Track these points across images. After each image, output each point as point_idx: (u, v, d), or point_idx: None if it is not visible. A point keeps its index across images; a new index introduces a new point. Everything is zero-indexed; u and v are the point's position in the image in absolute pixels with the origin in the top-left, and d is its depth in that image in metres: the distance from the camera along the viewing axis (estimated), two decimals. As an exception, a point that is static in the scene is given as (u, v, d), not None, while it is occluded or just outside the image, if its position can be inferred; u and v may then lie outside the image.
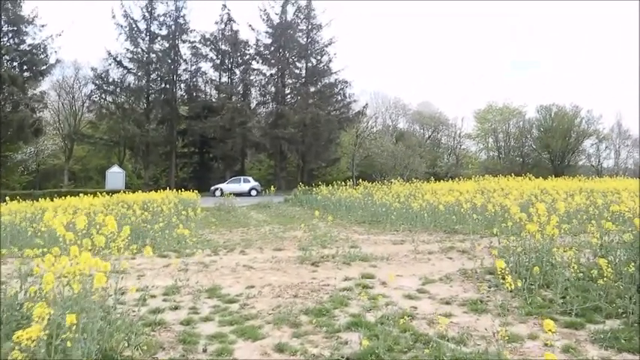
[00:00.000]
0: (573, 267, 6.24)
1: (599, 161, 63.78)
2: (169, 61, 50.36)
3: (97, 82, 48.99)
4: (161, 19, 50.17)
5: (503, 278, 4.40)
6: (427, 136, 66.47)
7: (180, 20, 50.60)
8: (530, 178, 31.44)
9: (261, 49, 53.16)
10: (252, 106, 54.08)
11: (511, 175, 33.79)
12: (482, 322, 5.76)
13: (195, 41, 51.74)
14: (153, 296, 7.07)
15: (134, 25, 49.47)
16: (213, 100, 52.41)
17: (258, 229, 16.10)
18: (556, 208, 9.11)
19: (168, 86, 50.84)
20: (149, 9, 49.90)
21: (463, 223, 14.63)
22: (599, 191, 23.42)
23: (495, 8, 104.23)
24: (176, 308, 6.51)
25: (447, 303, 6.61)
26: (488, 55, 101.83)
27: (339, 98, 54.20)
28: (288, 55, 52.88)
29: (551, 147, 60.86)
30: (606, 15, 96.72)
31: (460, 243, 12.13)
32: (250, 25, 53.15)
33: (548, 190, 21.67)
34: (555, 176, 39.59)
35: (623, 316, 5.77)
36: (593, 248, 8.48)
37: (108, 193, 27.19)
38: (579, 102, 74.24)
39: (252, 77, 53.66)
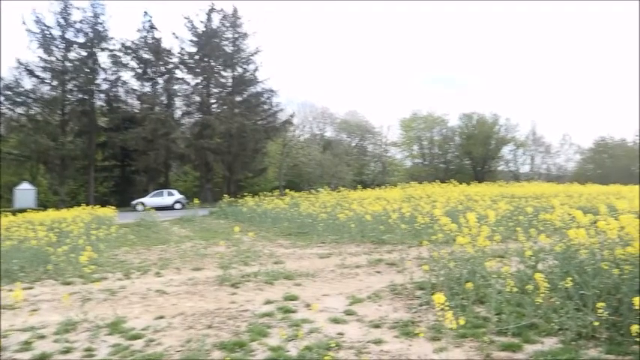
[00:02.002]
0: (508, 282, 5.85)
1: (516, 166, 66.26)
2: (87, 70, 47.59)
3: (5, 92, 45.66)
4: (77, 25, 47.32)
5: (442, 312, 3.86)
6: (354, 144, 66.82)
7: (99, 27, 48.05)
8: (454, 185, 31.95)
9: (186, 57, 51.42)
10: (177, 116, 52.22)
11: (436, 182, 34.29)
12: (415, 348, 5.25)
13: (115, 49, 49.17)
14: (42, 337, 6.09)
15: (47, 32, 46.51)
16: (135, 110, 50.02)
17: (179, 246, 15.11)
18: (485, 216, 8.87)
19: (86, 97, 48.03)
20: (64, 15, 47.09)
21: (391, 232, 14.32)
22: (521, 196, 24.03)
23: (420, 22, 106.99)
24: (67, 351, 5.56)
25: (377, 326, 6.07)
26: (412, 66, 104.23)
27: (266, 107, 53.42)
28: (213, 63, 51.49)
29: (472, 153, 62.70)
30: (519, 33, 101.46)
31: (388, 255, 11.74)
32: (174, 33, 51.42)
33: (473, 197, 21.94)
34: (477, 181, 40.61)
35: (560, 332, 5.45)
36: (524, 258, 8.26)
37: (15, 212, 25.08)
38: (498, 111, 76.70)
39: (176, 87, 51.78)
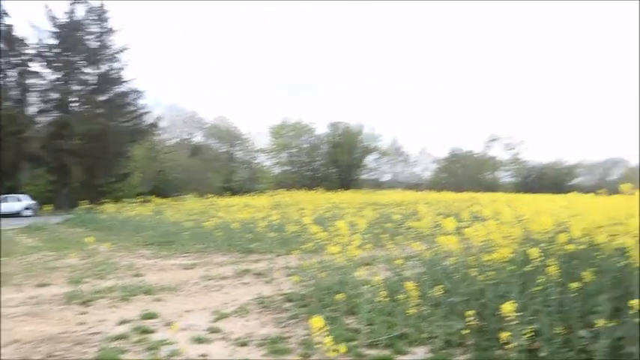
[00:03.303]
0: (380, 293, 5.73)
1: (379, 175, 69.16)
2: None
3: None
4: None
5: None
6: (223, 150, 65.70)
7: None
8: (321, 192, 32.49)
9: (44, 50, 46.95)
10: (30, 113, 47.58)
11: (303, 189, 34.68)
12: (284, 367, 4.93)
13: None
14: None
15: None
16: (-21, 104, 44.93)
17: (24, 259, 13.49)
18: (354, 223, 8.85)
19: None
20: None
21: (259, 241, 13.99)
22: (384, 204, 24.94)
23: (287, 30, 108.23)
24: None
25: (244, 344, 5.64)
26: (280, 73, 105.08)
27: (132, 109, 50.32)
28: (75, 58, 47.53)
29: (339, 162, 64.40)
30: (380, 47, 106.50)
31: (256, 264, 11.35)
32: (31, 22, 46.78)
33: (339, 204, 22.35)
34: (343, 189, 41.73)
35: (429, 341, 5.43)
36: (392, 266, 8.31)
37: None
38: (363, 121, 79.62)
39: (30, 81, 47.19)
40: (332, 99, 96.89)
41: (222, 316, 6.86)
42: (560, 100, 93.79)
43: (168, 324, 6.42)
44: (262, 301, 7.60)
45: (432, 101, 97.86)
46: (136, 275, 10.05)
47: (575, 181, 59.90)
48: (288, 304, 7.37)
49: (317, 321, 3.03)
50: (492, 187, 51.49)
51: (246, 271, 10.40)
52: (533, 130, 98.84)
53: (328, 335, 3.09)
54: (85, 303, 7.78)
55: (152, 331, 6.13)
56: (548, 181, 55.85)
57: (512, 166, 64.83)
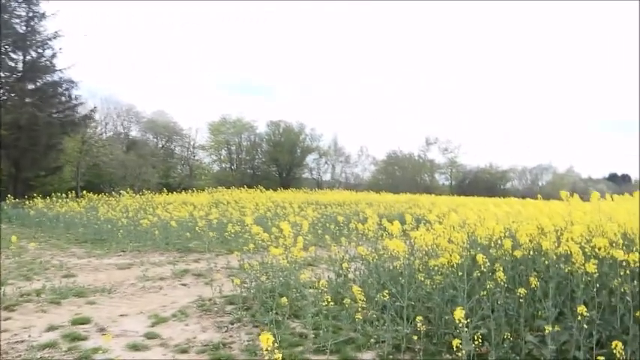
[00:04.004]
0: (325, 297, 5.61)
1: (319, 174, 69.35)
2: None
3: None
4: None
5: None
6: (161, 145, 64.11)
7: None
8: (261, 190, 32.26)
9: (-38, 31, 44.27)
10: (-53, 101, 44.66)
11: (243, 187, 34.32)
12: (227, 375, 4.73)
13: None
14: None
15: None
16: None
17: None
18: (296, 223, 8.72)
19: None
20: None
21: (198, 239, 13.64)
22: (325, 203, 24.98)
23: (228, 25, 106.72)
24: None
25: (184, 351, 5.38)
26: (220, 69, 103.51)
27: (64, 99, 48.09)
28: (0, 43, 45.05)
29: (279, 160, 64.23)
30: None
31: (196, 264, 11.07)
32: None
33: (280, 203, 22.18)
34: (283, 188, 41.67)
35: (377, 346, 5.37)
36: (336, 268, 8.23)
37: None
38: (304, 120, 79.60)
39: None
40: (274, 98, 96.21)
41: (161, 321, 6.55)
42: (495, 106, 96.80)
43: (102, 330, 6.07)
44: (203, 304, 7.35)
45: (374, 103, 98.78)
46: (67, 276, 9.52)
47: (508, 185, 62.34)
48: (229, 307, 7.16)
49: (266, 338, 2.83)
50: (429, 189, 52.64)
51: (185, 272, 10.10)
52: (469, 134, 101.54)
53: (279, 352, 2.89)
54: (9, 308, 7.21)
55: (84, 338, 5.74)
56: (483, 184, 57.66)
57: (448, 169, 66.46)
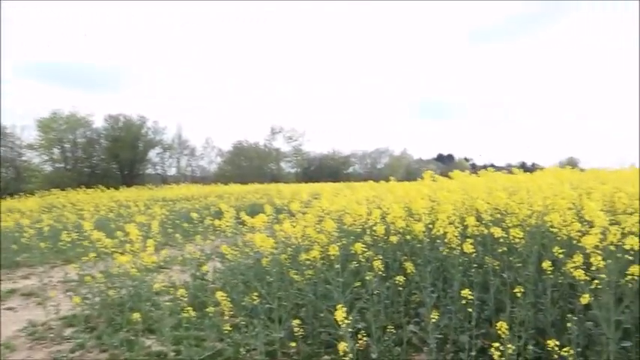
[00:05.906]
0: (186, 309, 4.83)
1: (163, 169, 66.59)
2: None
3: None
4: None
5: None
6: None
7: None
8: (102, 190, 30.13)
9: None
10: None
11: (81, 188, 31.78)
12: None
13: None
14: None
15: None
16: None
17: None
18: (144, 224, 7.79)
19: None
20: None
21: (28, 251, 11.88)
22: (172, 199, 23.78)
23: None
24: None
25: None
26: (53, 63, 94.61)
27: None
28: None
29: (120, 157, 60.41)
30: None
31: (25, 281, 9.56)
32: None
33: (124, 202, 20.62)
34: (126, 185, 39.44)
35: (248, 355, 4.76)
36: (190, 269, 7.46)
37: None
38: (146, 113, 75.73)
39: None
40: (113, 92, 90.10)
41: (-22, 359, 5.33)
42: (337, 93, 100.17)
43: None
44: (34, 331, 6.15)
45: (218, 93, 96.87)
46: None
47: (350, 169, 65.14)
48: (69, 331, 6.07)
49: None
50: (276, 177, 52.86)
51: (12, 292, 8.62)
52: (312, 122, 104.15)
53: None
54: None
55: None
56: (327, 170, 59.53)
57: (294, 157, 67.43)
